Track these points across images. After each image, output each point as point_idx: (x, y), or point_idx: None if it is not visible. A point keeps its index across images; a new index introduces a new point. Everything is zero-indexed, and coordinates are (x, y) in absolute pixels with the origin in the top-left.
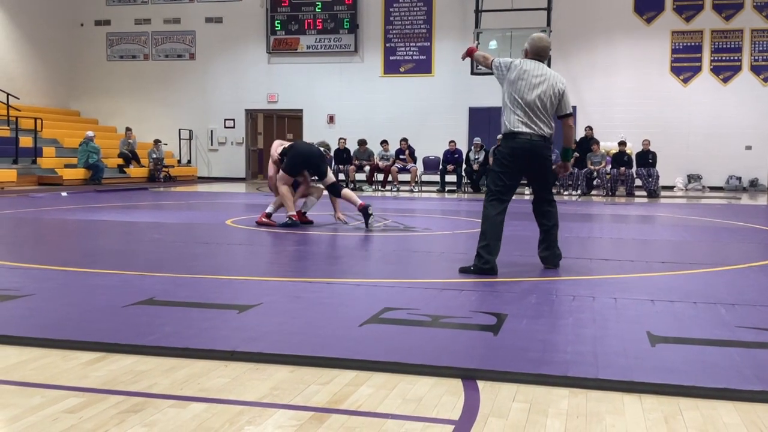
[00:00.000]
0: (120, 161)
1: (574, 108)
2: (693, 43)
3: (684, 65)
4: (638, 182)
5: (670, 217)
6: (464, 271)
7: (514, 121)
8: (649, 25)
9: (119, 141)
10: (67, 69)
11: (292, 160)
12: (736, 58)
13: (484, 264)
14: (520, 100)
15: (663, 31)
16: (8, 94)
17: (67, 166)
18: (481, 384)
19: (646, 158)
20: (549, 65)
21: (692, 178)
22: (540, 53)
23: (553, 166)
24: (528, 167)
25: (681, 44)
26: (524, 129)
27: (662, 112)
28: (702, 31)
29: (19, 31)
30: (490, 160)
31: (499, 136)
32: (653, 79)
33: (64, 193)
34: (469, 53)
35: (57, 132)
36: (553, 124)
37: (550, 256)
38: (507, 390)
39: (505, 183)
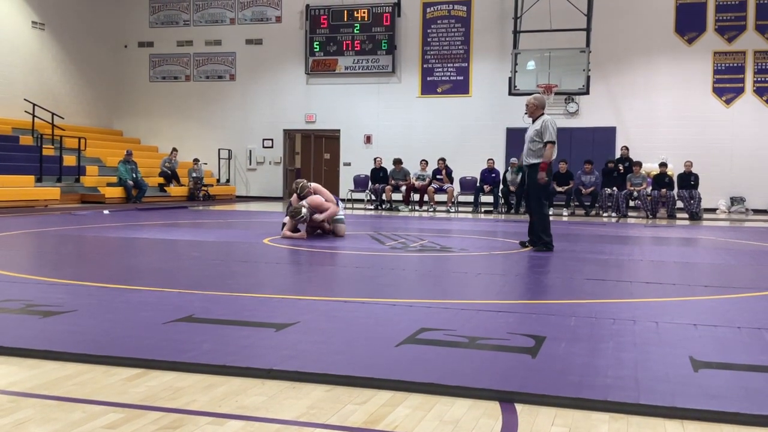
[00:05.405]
0: (161, 180)
1: (615, 128)
2: (735, 64)
3: (726, 86)
4: (680, 204)
5: (713, 239)
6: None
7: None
8: (690, 46)
9: (161, 160)
10: (111, 89)
11: None
12: None
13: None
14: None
15: (704, 52)
16: (53, 114)
17: (109, 184)
18: (519, 407)
19: (688, 180)
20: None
21: (735, 200)
22: (545, 107)
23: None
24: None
25: (723, 65)
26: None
27: (704, 134)
28: (745, 52)
29: (65, 52)
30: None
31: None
32: (695, 100)
33: (106, 211)
34: (543, 167)
35: (100, 151)
36: None
37: (534, 238)
38: (545, 414)
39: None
